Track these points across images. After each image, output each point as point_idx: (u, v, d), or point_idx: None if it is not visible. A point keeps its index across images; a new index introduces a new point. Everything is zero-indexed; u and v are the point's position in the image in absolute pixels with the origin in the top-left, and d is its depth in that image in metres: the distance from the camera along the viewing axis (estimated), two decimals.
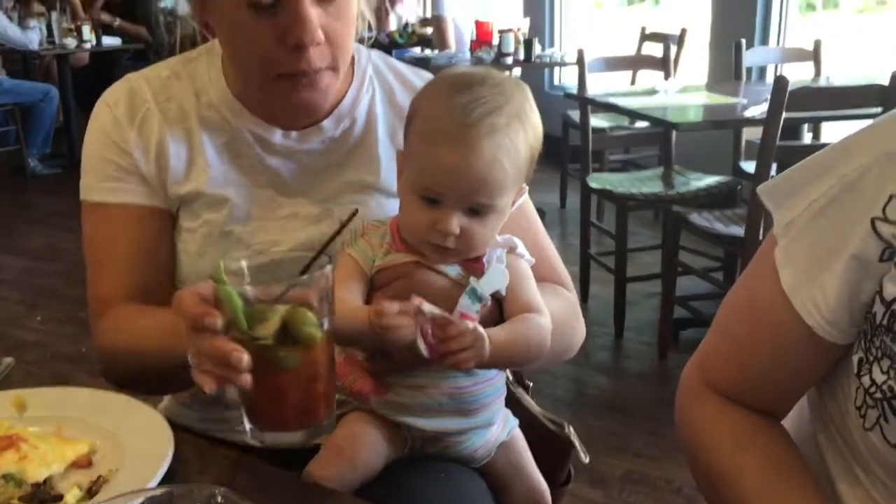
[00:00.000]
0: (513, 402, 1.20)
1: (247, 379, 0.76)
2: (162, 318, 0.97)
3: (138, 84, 1.13)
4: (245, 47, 1.01)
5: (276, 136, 1.10)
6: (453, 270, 0.96)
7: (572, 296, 1.17)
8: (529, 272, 1.01)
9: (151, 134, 1.10)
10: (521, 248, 1.01)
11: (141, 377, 1.07)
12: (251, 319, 0.76)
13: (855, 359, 0.78)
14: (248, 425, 0.83)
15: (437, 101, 0.93)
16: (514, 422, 1.08)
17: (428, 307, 0.86)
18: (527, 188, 1.02)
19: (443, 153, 0.90)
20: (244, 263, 0.83)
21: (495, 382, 1.02)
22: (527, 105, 0.95)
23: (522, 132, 0.93)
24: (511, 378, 1.25)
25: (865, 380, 0.76)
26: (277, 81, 1.01)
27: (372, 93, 1.15)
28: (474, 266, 0.97)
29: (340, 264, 0.94)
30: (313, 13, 0.96)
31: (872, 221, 0.73)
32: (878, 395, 0.74)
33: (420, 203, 0.93)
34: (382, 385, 0.96)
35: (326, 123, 1.12)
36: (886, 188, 0.73)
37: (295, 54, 0.98)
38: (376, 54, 1.20)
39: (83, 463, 0.90)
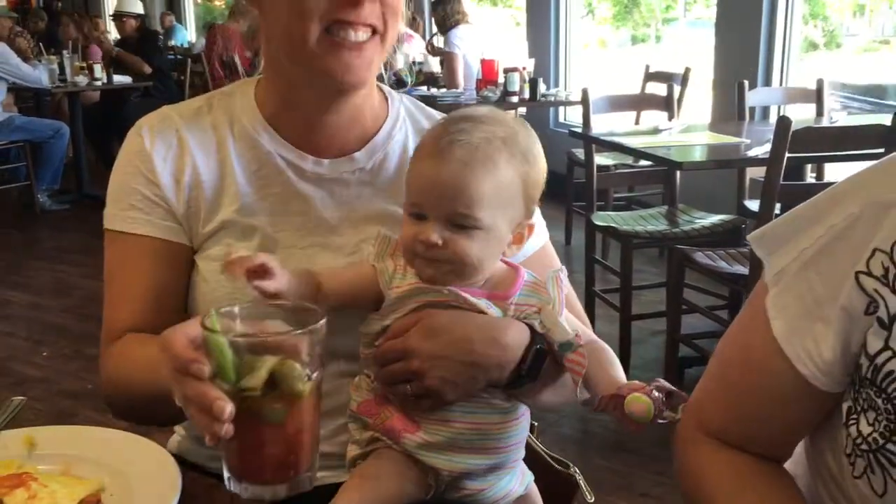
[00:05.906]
0: None
1: (229, 429, 0.74)
2: (151, 349, 0.98)
3: (170, 115, 1.14)
4: (299, 2, 1.00)
5: (308, 163, 1.11)
6: (482, 302, 0.97)
7: (591, 334, 1.17)
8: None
9: (183, 164, 1.11)
10: (566, 280, 1.03)
11: (132, 406, 1.09)
12: (240, 368, 0.75)
13: (844, 407, 0.78)
14: (226, 474, 0.80)
15: (432, 129, 1.01)
16: (531, 476, 1.08)
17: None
18: (534, 225, 1.03)
19: (419, 165, 0.98)
20: (236, 309, 0.82)
21: (522, 421, 1.03)
22: (524, 137, 0.99)
23: (508, 154, 0.96)
24: None
25: (853, 430, 0.76)
26: (325, 38, 1.00)
27: (405, 132, 1.18)
28: (503, 298, 0.98)
29: (359, 266, 1.02)
30: None
31: (856, 275, 0.74)
32: (865, 446, 0.75)
33: (410, 221, 0.98)
34: (414, 422, 0.97)
35: (358, 155, 1.14)
36: (871, 241, 0.74)
37: (348, 6, 0.99)
38: (407, 98, 1.24)
39: (92, 501, 0.90)
